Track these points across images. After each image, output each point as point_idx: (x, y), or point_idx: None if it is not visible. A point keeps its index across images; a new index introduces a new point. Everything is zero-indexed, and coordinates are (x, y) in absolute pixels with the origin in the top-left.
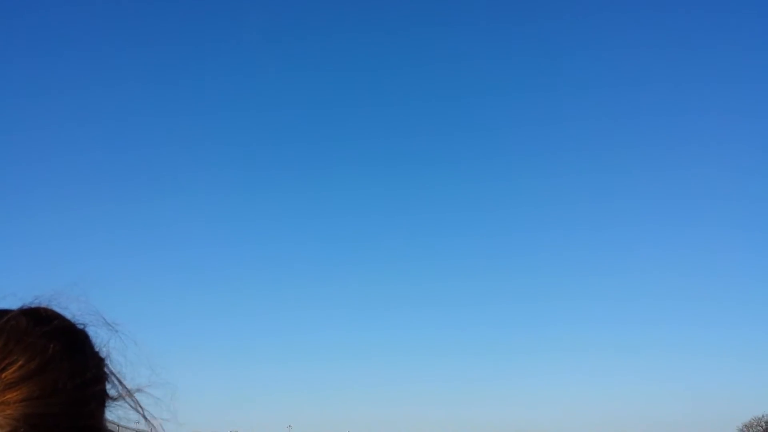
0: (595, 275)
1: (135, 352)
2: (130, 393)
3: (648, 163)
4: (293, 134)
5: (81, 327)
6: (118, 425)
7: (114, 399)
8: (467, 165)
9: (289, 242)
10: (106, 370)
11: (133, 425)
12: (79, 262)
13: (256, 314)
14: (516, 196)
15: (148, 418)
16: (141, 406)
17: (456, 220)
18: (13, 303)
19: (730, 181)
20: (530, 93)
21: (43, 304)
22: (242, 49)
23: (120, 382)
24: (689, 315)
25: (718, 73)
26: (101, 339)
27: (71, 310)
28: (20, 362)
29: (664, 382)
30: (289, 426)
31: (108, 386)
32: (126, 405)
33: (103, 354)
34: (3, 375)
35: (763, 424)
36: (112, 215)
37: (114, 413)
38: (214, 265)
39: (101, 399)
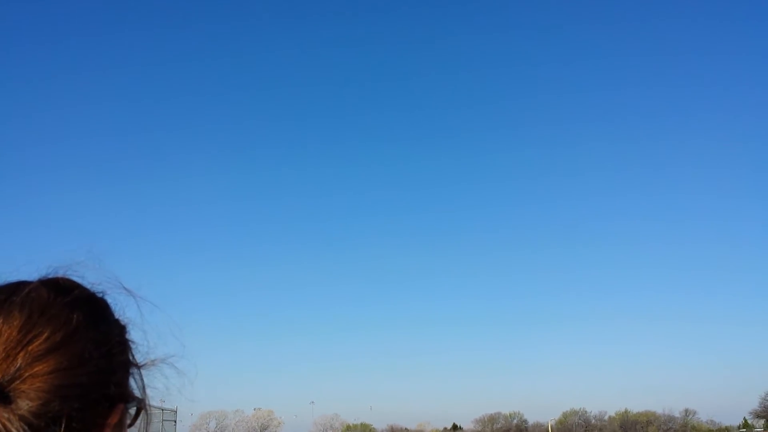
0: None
1: (156, 319)
2: (153, 362)
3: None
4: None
5: (100, 295)
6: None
7: (138, 366)
8: (475, 144)
9: (314, 218)
10: (128, 337)
11: (154, 392)
12: (97, 236)
13: (279, 291)
14: (523, 193)
15: (169, 388)
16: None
17: (475, 197)
18: (29, 273)
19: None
20: (534, 95)
21: (60, 274)
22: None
23: (131, 354)
24: (718, 285)
25: (717, 76)
26: (120, 306)
27: (88, 278)
28: (46, 334)
29: (685, 346)
30: (312, 402)
31: (130, 354)
32: (148, 372)
33: (124, 321)
34: (30, 348)
35: None
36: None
37: (136, 380)
38: (237, 242)
39: (126, 367)
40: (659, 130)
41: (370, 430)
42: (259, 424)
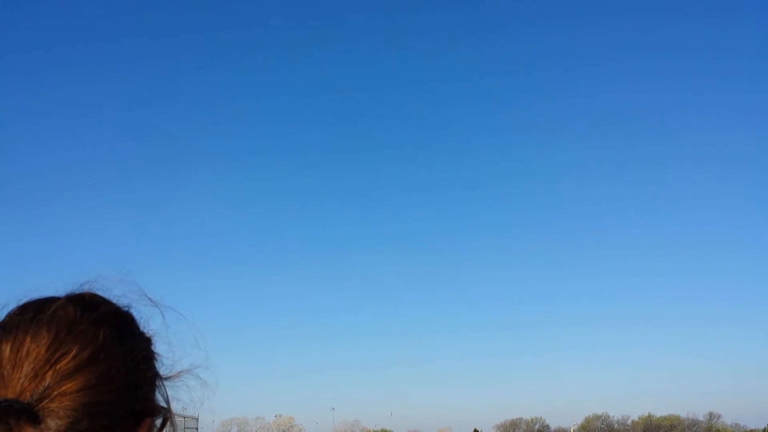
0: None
1: (181, 330)
2: (178, 374)
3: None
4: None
5: (126, 309)
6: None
7: (163, 378)
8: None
9: (332, 224)
10: (153, 349)
11: (179, 403)
12: (115, 248)
13: (298, 298)
14: (524, 195)
15: (193, 400)
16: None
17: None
18: (54, 289)
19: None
20: (537, 98)
21: (86, 288)
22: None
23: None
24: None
25: (719, 79)
26: (145, 318)
27: (114, 291)
28: (73, 352)
29: (709, 350)
30: (333, 408)
31: (156, 366)
32: (173, 384)
33: (149, 334)
34: (58, 366)
35: None
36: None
37: (162, 392)
38: (255, 249)
39: (152, 380)
40: (662, 135)
41: None
42: (280, 431)
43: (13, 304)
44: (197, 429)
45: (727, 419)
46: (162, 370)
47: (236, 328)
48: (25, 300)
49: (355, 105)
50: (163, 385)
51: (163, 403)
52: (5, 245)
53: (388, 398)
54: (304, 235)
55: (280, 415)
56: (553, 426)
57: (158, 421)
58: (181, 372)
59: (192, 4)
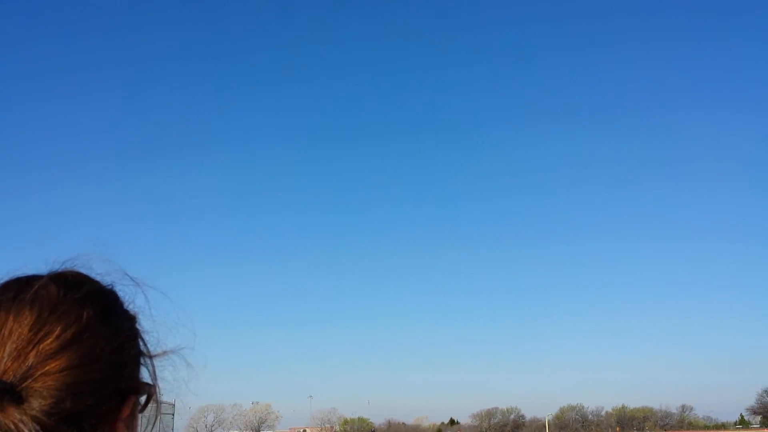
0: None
1: (166, 308)
2: (164, 353)
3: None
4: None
5: (109, 287)
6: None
7: (149, 356)
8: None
9: (313, 213)
10: (138, 327)
11: (163, 383)
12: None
13: (278, 285)
14: (527, 189)
15: (177, 380)
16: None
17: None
18: (37, 268)
19: None
20: (538, 90)
21: (67, 267)
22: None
23: (145, 344)
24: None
25: (721, 71)
26: (129, 297)
27: (96, 269)
28: (56, 332)
29: (683, 343)
30: (310, 396)
31: (140, 344)
32: (158, 363)
33: (133, 312)
34: (41, 346)
35: None
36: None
37: (148, 369)
38: (235, 237)
39: (137, 359)
40: (664, 125)
41: (368, 424)
42: (257, 418)
43: None
44: (173, 415)
45: (700, 412)
46: (146, 348)
47: (214, 315)
48: (6, 279)
49: (353, 94)
50: (151, 362)
51: (149, 380)
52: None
53: (365, 387)
54: (290, 224)
55: (258, 402)
56: (528, 416)
57: (142, 399)
58: (166, 351)
59: (199, 12)
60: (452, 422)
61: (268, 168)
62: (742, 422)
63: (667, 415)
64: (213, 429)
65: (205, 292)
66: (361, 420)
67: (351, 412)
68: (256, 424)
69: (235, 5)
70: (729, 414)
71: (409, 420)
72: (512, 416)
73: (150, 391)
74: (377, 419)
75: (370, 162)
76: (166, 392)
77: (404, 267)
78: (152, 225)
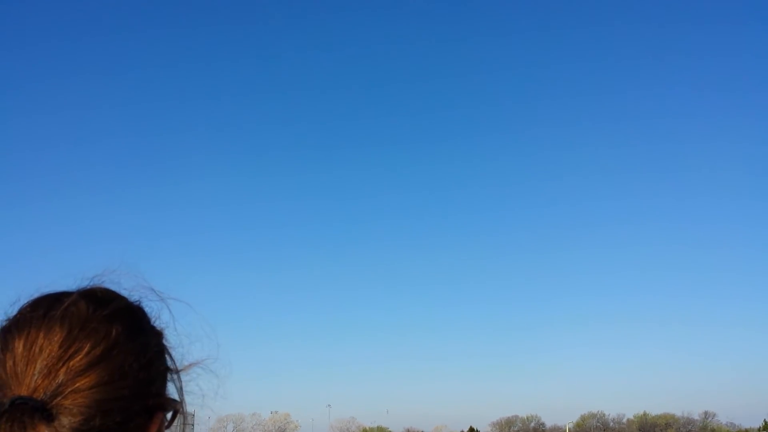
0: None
1: (191, 322)
2: (189, 366)
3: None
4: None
5: (137, 304)
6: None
7: (175, 371)
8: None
9: (329, 221)
10: (164, 343)
11: (190, 396)
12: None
13: (296, 294)
14: (523, 194)
15: (203, 391)
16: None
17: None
18: (64, 284)
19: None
20: (538, 98)
21: (95, 283)
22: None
23: (171, 358)
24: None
25: (721, 77)
26: (155, 312)
27: (123, 285)
28: (86, 348)
29: (704, 348)
30: (329, 405)
31: (167, 360)
32: (184, 376)
33: (160, 328)
34: (71, 363)
35: None
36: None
37: (174, 384)
38: (251, 245)
39: (164, 375)
40: (662, 132)
41: None
42: (276, 428)
43: (23, 300)
44: (193, 425)
45: (722, 418)
46: (173, 363)
47: (232, 324)
48: (36, 295)
49: (355, 102)
50: (176, 378)
51: (174, 396)
52: (10, 242)
53: (384, 396)
54: (302, 231)
55: (276, 412)
56: (548, 424)
57: (169, 414)
58: (191, 364)
59: (190, 1)
60: (471, 431)
61: (276, 175)
62: (766, 428)
63: (690, 421)
64: None
65: (223, 301)
66: (380, 429)
67: (370, 421)
68: None
69: (234, 11)
70: (752, 419)
71: (428, 429)
72: (532, 424)
73: (176, 407)
74: (396, 428)
75: (369, 170)
76: (201, 398)
77: (423, 275)
78: (161, 233)
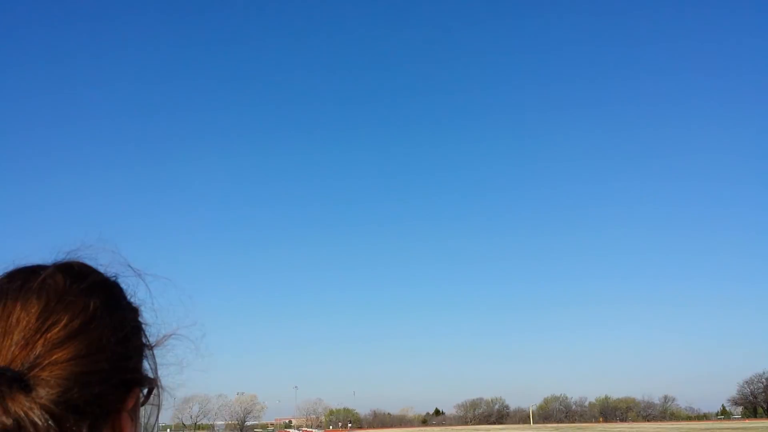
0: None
1: (169, 299)
2: (164, 338)
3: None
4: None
5: (113, 279)
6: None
7: (150, 347)
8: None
9: (302, 204)
10: (140, 319)
11: (166, 368)
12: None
13: (265, 275)
14: (524, 195)
15: (182, 360)
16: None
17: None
18: (40, 257)
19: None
20: (536, 86)
21: (72, 257)
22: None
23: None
24: (696, 269)
25: (722, 70)
26: (131, 289)
27: (100, 260)
28: (64, 321)
29: (665, 334)
30: (296, 386)
31: (144, 336)
32: (160, 351)
33: (136, 304)
34: (48, 335)
35: (764, 380)
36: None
37: (149, 361)
38: (224, 227)
39: (140, 350)
40: (659, 121)
41: (353, 414)
42: (243, 409)
43: None
44: (158, 406)
45: (682, 402)
46: (147, 340)
47: (199, 305)
48: (11, 268)
49: (354, 106)
50: (151, 354)
51: (150, 373)
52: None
53: (350, 378)
54: (275, 211)
55: (243, 393)
56: (512, 406)
57: (144, 390)
58: (165, 335)
59: (192, 6)
60: (437, 413)
61: (262, 160)
62: (724, 413)
63: (650, 405)
64: (198, 420)
65: (191, 282)
66: (346, 411)
67: (336, 403)
68: (242, 415)
69: (237, 11)
70: (711, 405)
71: (395, 410)
72: (496, 406)
73: (152, 383)
74: (363, 410)
75: (363, 156)
76: (180, 374)
77: (390, 259)
78: (141, 214)
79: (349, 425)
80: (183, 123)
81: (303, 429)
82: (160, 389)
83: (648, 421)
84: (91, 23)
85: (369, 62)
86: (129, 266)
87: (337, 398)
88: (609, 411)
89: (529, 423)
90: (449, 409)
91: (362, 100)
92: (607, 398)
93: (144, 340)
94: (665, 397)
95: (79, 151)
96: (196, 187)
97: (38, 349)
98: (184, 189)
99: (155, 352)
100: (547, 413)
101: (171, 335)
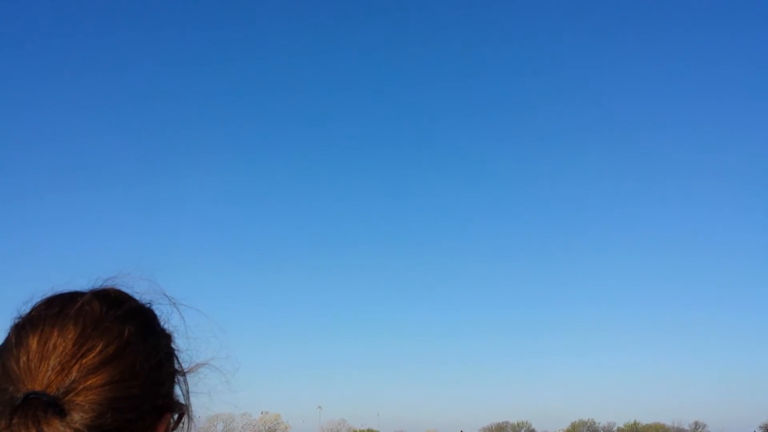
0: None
1: (198, 326)
2: (196, 366)
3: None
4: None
5: (148, 306)
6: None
7: (182, 374)
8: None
9: (324, 222)
10: (174, 345)
11: (197, 396)
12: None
13: (289, 294)
14: (525, 199)
15: (211, 390)
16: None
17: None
18: (77, 284)
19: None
20: (539, 100)
21: (109, 285)
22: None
23: (178, 361)
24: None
25: (718, 82)
26: (165, 315)
27: (135, 288)
28: (99, 347)
29: (696, 358)
30: (320, 407)
31: (177, 362)
32: (192, 378)
33: (169, 331)
34: (83, 360)
35: None
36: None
37: (181, 387)
38: (243, 245)
39: (173, 376)
40: (659, 139)
41: None
42: (266, 428)
43: (37, 299)
44: (183, 425)
45: (713, 429)
46: (180, 366)
47: (224, 323)
48: (50, 294)
49: (357, 104)
50: (183, 381)
51: (182, 399)
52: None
53: (375, 398)
54: (298, 232)
55: (267, 412)
56: (539, 430)
57: (175, 416)
58: (198, 364)
59: (190, 1)
60: None
61: (273, 176)
62: None
63: (680, 431)
64: None
65: (214, 300)
66: (370, 431)
67: (360, 424)
68: None
69: (237, 11)
70: (742, 431)
71: None
72: (523, 431)
73: (183, 409)
74: (386, 431)
75: (378, 172)
76: (209, 403)
77: (416, 279)
78: (155, 230)
79: None
80: (189, 135)
81: None
82: (189, 419)
83: None
84: (92, 23)
85: (387, 77)
86: (164, 295)
87: (361, 419)
88: None
89: None
90: None
91: (386, 116)
92: (636, 424)
93: (177, 366)
94: (696, 423)
95: (75, 163)
96: (220, 205)
97: (74, 374)
98: (206, 205)
99: (188, 378)
100: None
101: (204, 364)
